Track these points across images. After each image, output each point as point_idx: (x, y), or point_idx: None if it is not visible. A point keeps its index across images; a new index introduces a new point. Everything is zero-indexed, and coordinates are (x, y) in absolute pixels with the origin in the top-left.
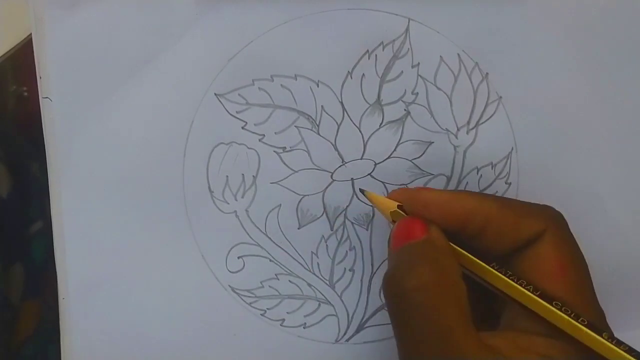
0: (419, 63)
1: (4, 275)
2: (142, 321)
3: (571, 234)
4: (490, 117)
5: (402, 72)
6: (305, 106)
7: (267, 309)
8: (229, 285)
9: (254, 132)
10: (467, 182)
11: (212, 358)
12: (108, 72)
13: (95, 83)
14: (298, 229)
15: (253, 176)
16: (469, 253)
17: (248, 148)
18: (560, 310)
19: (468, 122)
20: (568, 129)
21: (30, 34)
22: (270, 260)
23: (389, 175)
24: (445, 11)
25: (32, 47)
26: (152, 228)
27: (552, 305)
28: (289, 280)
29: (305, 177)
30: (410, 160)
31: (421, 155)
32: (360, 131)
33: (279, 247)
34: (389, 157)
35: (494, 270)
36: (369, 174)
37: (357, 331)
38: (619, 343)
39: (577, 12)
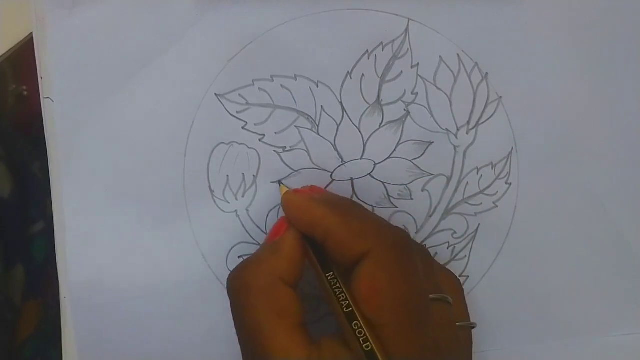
0: (418, 63)
1: (5, 276)
2: (142, 321)
3: (401, 257)
4: (490, 117)
5: (401, 72)
6: (305, 106)
7: None
8: None
9: (254, 132)
10: (468, 182)
11: (212, 358)
12: (109, 72)
13: (96, 83)
14: None
15: (253, 176)
16: (319, 258)
17: (248, 148)
18: (355, 332)
19: (468, 122)
20: (568, 129)
21: (31, 34)
22: None
23: (388, 175)
24: (445, 11)
25: (32, 47)
26: (153, 228)
27: (351, 324)
28: None
29: (306, 176)
30: (410, 160)
31: (421, 155)
32: (360, 131)
33: None
34: (388, 157)
35: (323, 277)
36: (368, 174)
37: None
38: None
39: (576, 11)
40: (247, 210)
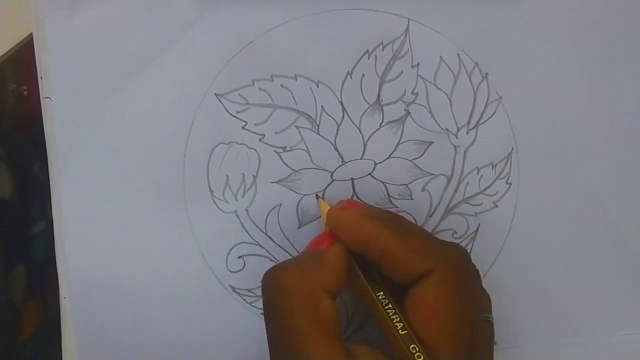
0: (418, 63)
1: (6, 276)
2: (142, 321)
3: (464, 278)
4: (490, 117)
5: (401, 72)
6: (305, 106)
7: None
8: (230, 285)
9: (254, 132)
10: (468, 182)
11: (213, 358)
12: (109, 72)
13: (96, 83)
14: (298, 228)
15: (253, 176)
16: (368, 276)
17: (248, 148)
18: (413, 356)
19: (468, 122)
20: (568, 129)
21: (31, 34)
22: (271, 260)
23: (389, 175)
24: (445, 11)
25: (32, 47)
26: (153, 228)
27: (408, 347)
28: None
29: (306, 176)
30: (410, 160)
31: (421, 155)
32: (360, 131)
33: (280, 246)
34: (389, 157)
35: (374, 297)
36: (369, 174)
37: (357, 330)
38: None
39: (576, 11)
40: (247, 210)
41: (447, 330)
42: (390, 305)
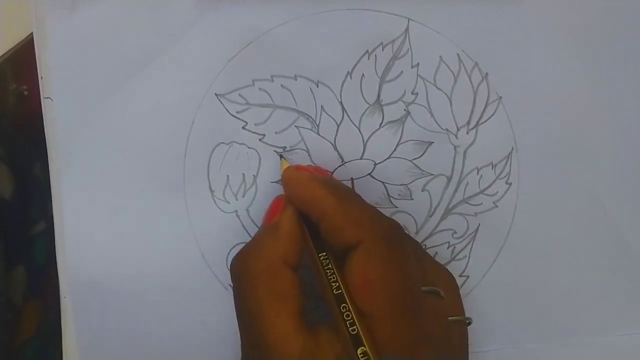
0: (418, 63)
1: (6, 277)
2: (142, 321)
3: (393, 249)
4: (490, 117)
5: (401, 72)
6: (305, 106)
7: None
8: (230, 285)
9: (254, 132)
10: (468, 182)
11: (213, 358)
12: (109, 72)
13: (96, 83)
14: None
15: (253, 176)
16: (311, 237)
17: (248, 148)
18: (342, 314)
19: (468, 122)
20: (568, 129)
21: (31, 34)
22: None
23: (388, 175)
24: (445, 11)
25: (33, 47)
26: (153, 228)
27: (339, 307)
28: None
29: None
30: (410, 160)
31: (421, 155)
32: (360, 131)
33: None
34: (388, 157)
35: (316, 257)
36: (368, 174)
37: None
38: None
39: (576, 11)
40: (247, 210)
41: (378, 298)
42: (330, 266)
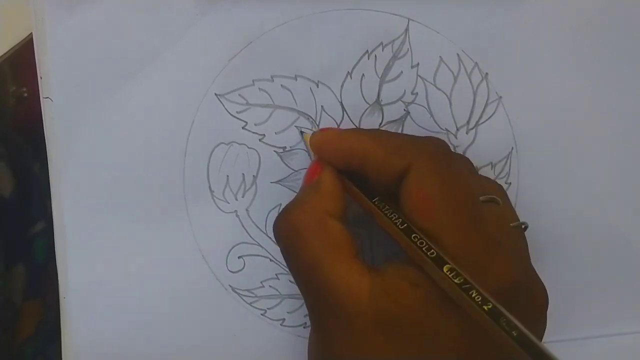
0: (418, 63)
1: (6, 276)
2: (142, 321)
3: (444, 164)
4: (490, 117)
5: (401, 72)
6: (305, 106)
7: (268, 308)
8: (229, 285)
9: (254, 132)
10: None
11: (212, 358)
12: (109, 72)
13: (96, 83)
14: None
15: (253, 176)
16: (359, 189)
17: (248, 148)
18: (416, 243)
19: (468, 122)
20: (568, 129)
21: (30, 34)
22: (271, 260)
23: None
24: (445, 11)
25: (32, 47)
26: (153, 228)
27: (410, 238)
28: (290, 280)
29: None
30: None
31: None
32: None
33: None
34: None
35: (370, 204)
36: None
37: None
38: (457, 276)
39: (576, 11)
40: (247, 210)
41: (440, 212)
42: (387, 207)
